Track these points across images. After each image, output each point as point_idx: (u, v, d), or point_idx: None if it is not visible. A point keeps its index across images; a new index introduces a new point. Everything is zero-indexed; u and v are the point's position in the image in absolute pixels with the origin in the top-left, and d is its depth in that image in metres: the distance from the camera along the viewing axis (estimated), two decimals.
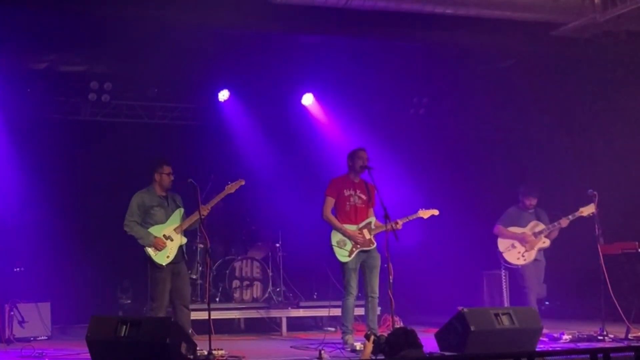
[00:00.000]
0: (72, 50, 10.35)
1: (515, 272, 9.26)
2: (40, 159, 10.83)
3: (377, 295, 8.10)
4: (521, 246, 9.17)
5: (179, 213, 7.89)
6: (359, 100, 12.10)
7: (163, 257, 7.70)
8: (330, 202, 8.22)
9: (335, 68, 10.99)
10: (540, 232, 9.14)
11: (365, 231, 8.18)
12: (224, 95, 11.68)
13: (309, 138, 12.20)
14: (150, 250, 7.68)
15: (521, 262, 9.15)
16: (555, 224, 9.06)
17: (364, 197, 8.25)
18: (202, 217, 7.56)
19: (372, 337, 6.76)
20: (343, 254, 8.09)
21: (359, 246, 8.10)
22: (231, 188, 7.89)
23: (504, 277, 9.60)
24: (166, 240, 7.74)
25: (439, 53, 10.87)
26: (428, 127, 12.47)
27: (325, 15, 9.07)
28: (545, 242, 9.18)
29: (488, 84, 11.40)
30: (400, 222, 7.98)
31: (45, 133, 11.01)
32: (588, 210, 8.73)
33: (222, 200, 7.98)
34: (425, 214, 8.30)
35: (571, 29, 9.61)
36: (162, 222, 7.81)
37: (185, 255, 7.97)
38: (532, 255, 9.15)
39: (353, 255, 8.08)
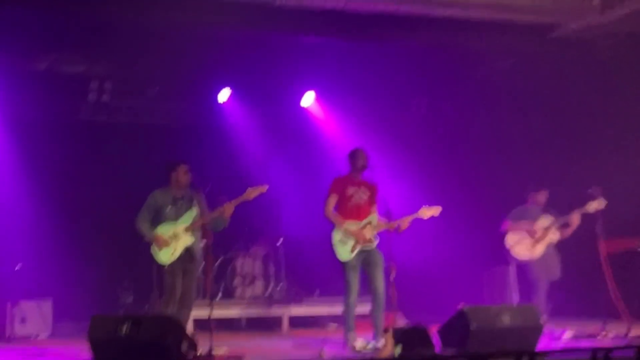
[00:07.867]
0: (72, 50, 10.35)
1: (524, 267, 9.18)
2: (40, 159, 10.83)
3: (383, 292, 7.98)
4: (530, 238, 9.10)
5: (191, 213, 7.76)
6: (359, 100, 12.11)
7: (167, 255, 7.64)
8: (333, 199, 8.15)
9: (335, 68, 11.01)
10: (550, 226, 9.07)
11: (366, 229, 8.15)
12: (224, 95, 11.70)
13: (309, 137, 12.22)
14: (154, 248, 7.67)
15: (530, 254, 9.07)
16: (566, 216, 8.96)
17: (368, 193, 8.22)
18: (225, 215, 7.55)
19: (391, 331, 6.83)
20: (344, 252, 8.03)
21: (360, 244, 8.11)
22: (250, 194, 7.66)
23: (511, 274, 9.57)
24: (172, 239, 7.65)
25: (439, 54, 10.88)
26: (428, 127, 12.50)
27: (324, 18, 9.07)
28: (554, 234, 9.07)
29: (488, 85, 11.41)
30: (405, 221, 7.87)
31: (45, 133, 11.01)
32: (595, 205, 8.67)
33: (224, 196, 7.94)
34: (425, 214, 8.10)
35: (571, 31, 9.62)
36: (173, 220, 7.73)
37: (194, 256, 7.77)
38: (541, 248, 9.05)
39: (354, 253, 8.04)
